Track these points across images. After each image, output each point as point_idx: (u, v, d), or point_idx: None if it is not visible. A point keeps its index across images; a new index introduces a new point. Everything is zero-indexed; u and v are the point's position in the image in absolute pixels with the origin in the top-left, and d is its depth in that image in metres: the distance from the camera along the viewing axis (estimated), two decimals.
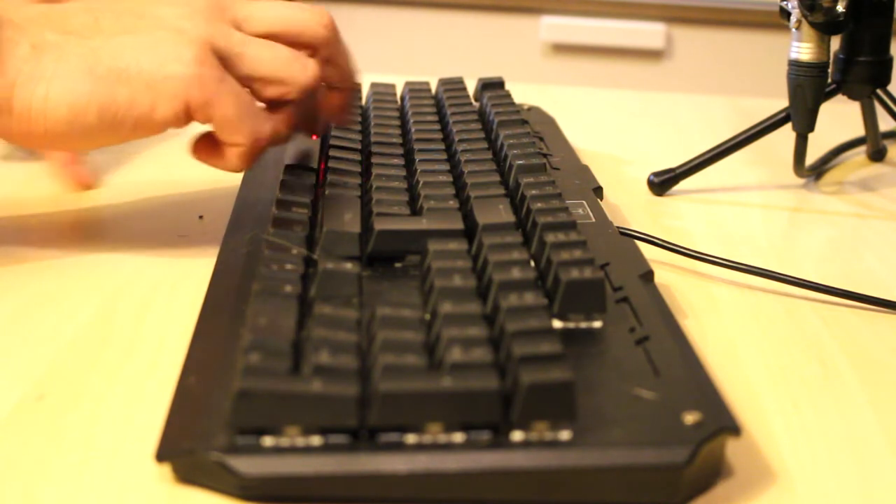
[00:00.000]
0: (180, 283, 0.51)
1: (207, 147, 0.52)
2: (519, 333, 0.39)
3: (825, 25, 0.64)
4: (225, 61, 0.50)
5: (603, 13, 1.69)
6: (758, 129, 0.68)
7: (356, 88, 0.59)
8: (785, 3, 0.65)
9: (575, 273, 0.44)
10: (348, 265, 0.46)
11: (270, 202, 0.51)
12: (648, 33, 1.70)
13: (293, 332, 0.40)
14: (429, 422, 0.36)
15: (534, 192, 0.53)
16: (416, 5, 1.71)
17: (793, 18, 0.65)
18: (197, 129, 0.51)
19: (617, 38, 1.70)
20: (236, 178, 0.59)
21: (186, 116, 0.49)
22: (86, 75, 0.47)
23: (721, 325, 0.50)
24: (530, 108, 0.75)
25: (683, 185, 0.68)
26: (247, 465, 0.36)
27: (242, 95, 0.50)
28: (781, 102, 0.68)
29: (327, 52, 0.54)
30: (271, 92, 0.51)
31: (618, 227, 0.54)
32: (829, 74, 0.66)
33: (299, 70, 0.51)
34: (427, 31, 1.71)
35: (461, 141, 0.61)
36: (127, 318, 0.48)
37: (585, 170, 0.63)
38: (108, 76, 0.48)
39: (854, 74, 0.67)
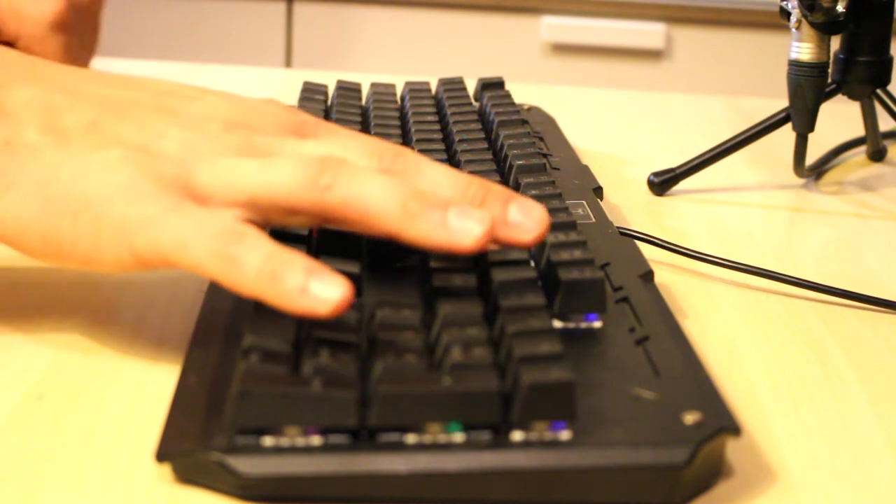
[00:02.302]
0: (180, 282, 0.51)
1: None
2: (519, 333, 0.39)
3: (825, 25, 0.64)
4: (211, 200, 0.41)
5: (603, 13, 1.69)
6: (758, 129, 0.68)
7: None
8: (785, 3, 0.65)
9: (575, 273, 0.44)
10: (348, 265, 0.46)
11: None
12: (648, 33, 1.70)
13: (293, 332, 0.40)
14: (429, 422, 0.36)
15: (534, 192, 0.53)
16: (416, 5, 1.71)
17: (793, 18, 0.65)
18: None
19: (617, 38, 1.70)
20: None
21: (139, 263, 0.41)
22: (37, 195, 0.41)
23: (721, 325, 0.50)
24: (530, 108, 0.75)
25: (683, 185, 0.68)
26: (247, 465, 0.36)
27: (217, 235, 0.40)
28: (781, 102, 0.68)
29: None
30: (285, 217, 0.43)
31: (618, 227, 0.54)
32: (829, 74, 0.66)
33: (293, 187, 0.42)
34: (427, 31, 1.71)
35: (461, 141, 0.61)
36: (127, 317, 0.48)
37: (585, 170, 0.63)
38: (56, 202, 0.41)
39: (854, 74, 0.67)
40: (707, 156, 0.68)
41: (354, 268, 0.45)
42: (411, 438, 0.36)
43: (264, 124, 0.45)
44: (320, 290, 0.39)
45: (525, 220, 0.42)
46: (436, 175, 0.44)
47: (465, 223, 0.41)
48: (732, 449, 0.39)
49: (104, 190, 0.41)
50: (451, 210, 0.41)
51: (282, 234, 0.48)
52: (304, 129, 0.46)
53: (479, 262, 0.46)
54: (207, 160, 0.42)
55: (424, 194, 0.42)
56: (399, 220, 0.41)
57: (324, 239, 0.47)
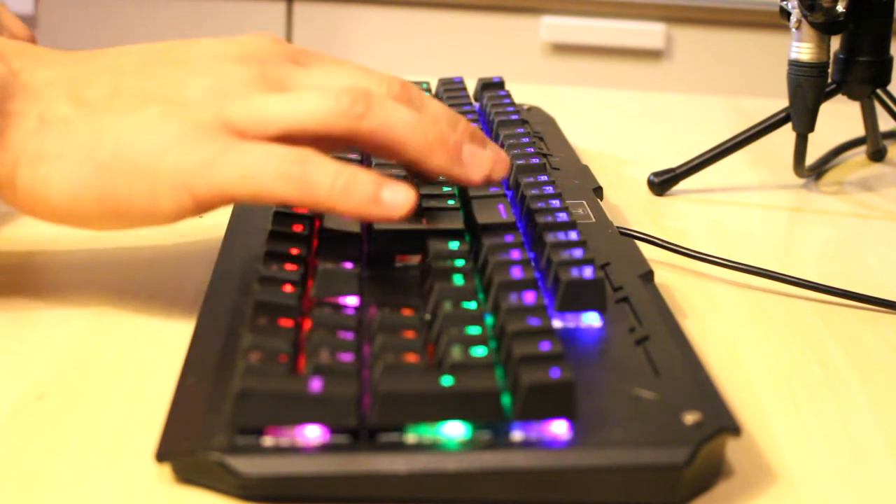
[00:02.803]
0: (181, 282, 0.51)
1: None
2: (519, 333, 0.39)
3: (825, 25, 0.64)
4: (246, 134, 0.44)
5: (603, 13, 1.69)
6: (758, 129, 0.68)
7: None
8: (785, 3, 0.65)
9: (575, 273, 0.44)
10: (348, 265, 0.46)
11: None
12: (648, 33, 1.70)
13: (293, 332, 0.40)
14: (429, 422, 0.36)
15: (534, 192, 0.53)
16: (416, 5, 1.71)
17: (793, 18, 0.65)
18: None
19: (617, 38, 1.70)
20: None
21: (198, 206, 0.43)
22: (86, 160, 0.43)
23: (721, 325, 0.50)
24: (530, 108, 0.75)
25: (683, 185, 0.68)
26: (247, 465, 0.36)
27: (273, 161, 0.43)
28: (781, 102, 0.68)
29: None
30: (313, 143, 0.45)
31: (618, 227, 0.54)
32: (829, 74, 0.66)
33: (326, 116, 0.44)
34: (427, 31, 1.71)
35: None
36: (127, 318, 0.48)
37: (585, 170, 0.63)
38: (107, 163, 0.43)
39: (854, 74, 0.67)
40: (707, 156, 0.68)
41: (355, 268, 0.45)
42: (411, 438, 0.36)
43: (267, 55, 0.47)
44: (391, 196, 0.43)
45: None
46: (436, 109, 0.48)
47: (476, 161, 0.47)
48: (732, 449, 0.39)
49: (152, 144, 0.43)
50: (464, 148, 0.46)
51: (283, 237, 0.48)
52: (301, 59, 0.48)
53: (480, 262, 0.46)
54: (237, 99, 0.45)
55: (443, 130, 0.46)
56: (422, 151, 0.45)
57: (324, 239, 0.47)
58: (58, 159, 0.43)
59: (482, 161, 0.47)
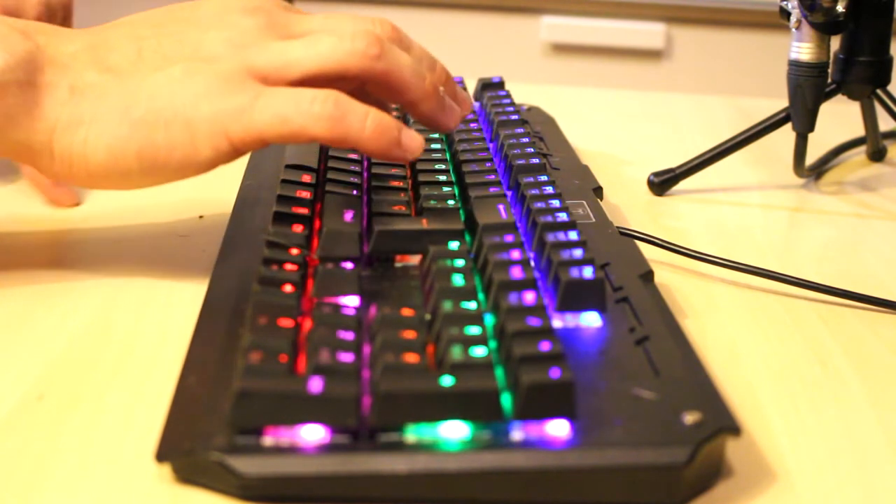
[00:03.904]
0: (180, 283, 0.51)
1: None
2: (519, 333, 0.39)
3: (825, 25, 0.64)
4: (268, 80, 0.47)
5: (603, 13, 1.70)
6: (758, 129, 0.68)
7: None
8: (785, 3, 0.65)
9: (575, 273, 0.44)
10: (348, 265, 0.46)
11: (271, 202, 0.51)
12: (648, 33, 1.70)
13: (293, 332, 0.40)
14: (429, 422, 0.36)
15: (533, 192, 0.53)
16: (415, 5, 1.71)
17: (793, 18, 0.65)
18: None
19: (617, 38, 1.71)
20: (237, 178, 0.59)
21: (234, 150, 0.46)
22: (123, 119, 0.45)
23: (721, 325, 0.50)
24: (530, 108, 0.75)
25: (683, 185, 0.68)
26: (247, 465, 0.36)
27: (297, 102, 0.46)
28: (781, 102, 0.68)
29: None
30: (327, 84, 0.47)
31: (618, 227, 0.54)
32: (829, 74, 0.66)
33: (344, 57, 0.47)
34: (427, 31, 1.71)
35: (461, 141, 0.61)
36: (127, 318, 0.48)
37: (585, 170, 0.63)
38: (145, 119, 0.45)
39: (854, 74, 0.67)
40: (707, 156, 0.68)
41: (355, 268, 0.45)
42: (411, 438, 0.36)
43: (269, 6, 0.50)
44: (408, 140, 0.48)
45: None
46: (419, 50, 0.52)
47: (452, 111, 0.52)
48: (732, 449, 0.39)
49: (186, 97, 0.46)
50: (446, 96, 0.51)
51: (283, 236, 0.48)
52: (293, 10, 0.51)
53: (480, 262, 0.46)
54: (256, 48, 0.47)
55: (433, 79, 0.50)
56: (420, 93, 0.49)
57: (325, 239, 0.47)
58: (95, 122, 0.46)
59: (455, 112, 0.52)
